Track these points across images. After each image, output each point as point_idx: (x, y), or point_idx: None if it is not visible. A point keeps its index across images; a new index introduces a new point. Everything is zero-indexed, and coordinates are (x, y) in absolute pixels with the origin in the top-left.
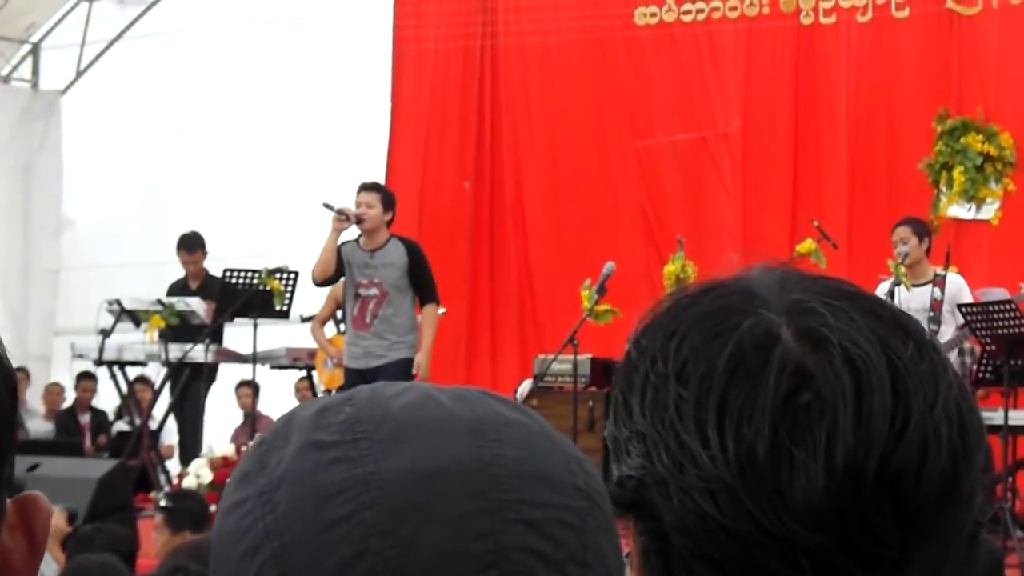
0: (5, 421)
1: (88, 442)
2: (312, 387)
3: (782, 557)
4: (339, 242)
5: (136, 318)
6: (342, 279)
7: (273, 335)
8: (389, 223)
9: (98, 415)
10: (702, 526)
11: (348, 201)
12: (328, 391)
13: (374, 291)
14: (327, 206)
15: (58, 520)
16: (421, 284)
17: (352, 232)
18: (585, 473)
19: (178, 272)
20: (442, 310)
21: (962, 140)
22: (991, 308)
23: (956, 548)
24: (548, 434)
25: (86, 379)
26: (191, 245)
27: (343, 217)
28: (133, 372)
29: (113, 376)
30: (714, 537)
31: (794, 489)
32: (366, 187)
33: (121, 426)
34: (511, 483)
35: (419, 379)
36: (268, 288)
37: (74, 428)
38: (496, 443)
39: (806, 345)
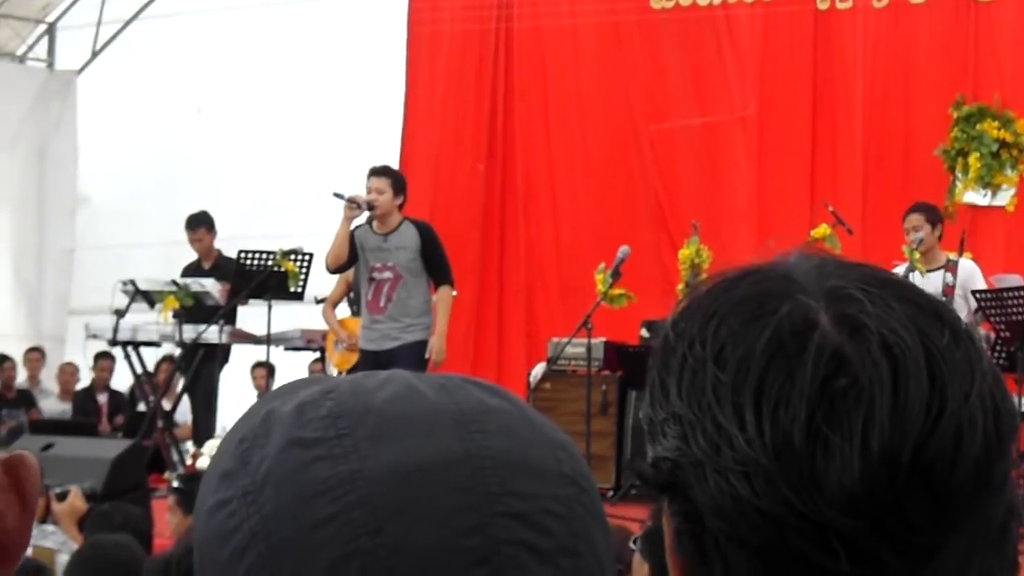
0: None
1: (105, 422)
2: (325, 368)
3: (816, 541)
4: (353, 226)
5: (150, 299)
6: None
7: (287, 316)
8: (401, 206)
9: (115, 395)
10: (737, 509)
11: (362, 184)
12: (340, 373)
13: (388, 274)
14: (337, 195)
15: (75, 499)
16: (434, 266)
17: (364, 215)
18: (570, 458)
19: (192, 253)
20: (454, 293)
21: (978, 126)
22: (1005, 294)
23: (988, 536)
24: (531, 419)
25: (103, 359)
26: (192, 223)
27: (354, 205)
28: (148, 352)
29: (127, 356)
30: (748, 520)
31: (829, 474)
32: (376, 172)
33: (142, 407)
34: (497, 475)
35: (433, 362)
36: (283, 269)
37: (91, 408)
38: (480, 434)
39: (844, 331)
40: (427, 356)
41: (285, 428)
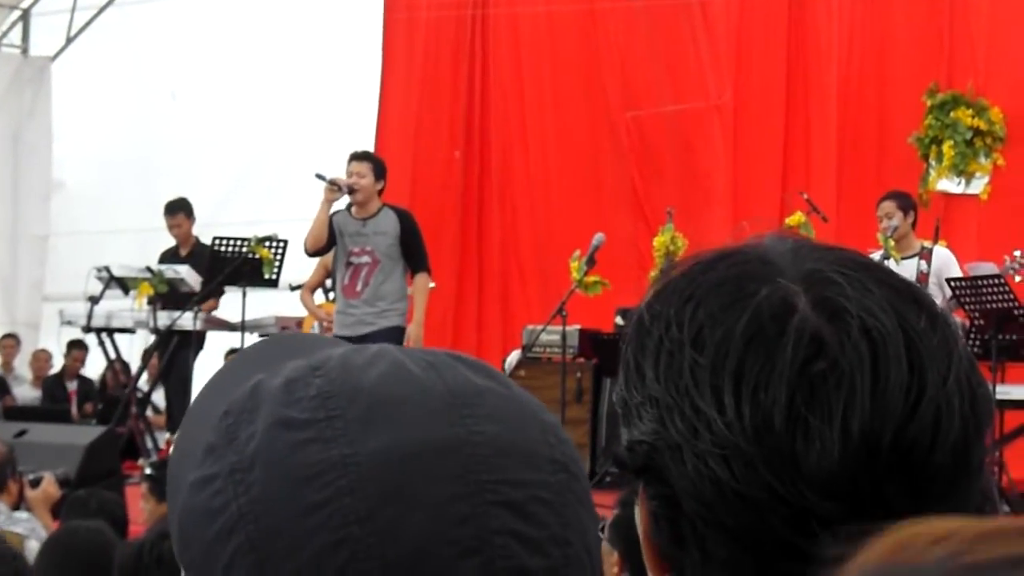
0: None
1: (75, 409)
2: None
3: (795, 524)
4: (332, 211)
5: (125, 285)
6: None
7: (262, 303)
8: (381, 192)
9: (85, 383)
10: (715, 492)
11: (339, 170)
12: None
13: (366, 259)
14: (319, 176)
15: (48, 486)
16: (413, 254)
17: (343, 201)
18: (560, 442)
19: (168, 239)
20: (431, 284)
21: (952, 114)
22: (979, 282)
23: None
24: (520, 401)
25: (77, 348)
26: (171, 208)
27: (335, 187)
28: (122, 339)
29: (101, 343)
30: (727, 503)
31: (809, 457)
32: (357, 156)
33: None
34: (489, 462)
35: (411, 345)
36: (257, 256)
37: (61, 395)
38: (471, 419)
39: (823, 315)
40: (405, 343)
41: (273, 405)
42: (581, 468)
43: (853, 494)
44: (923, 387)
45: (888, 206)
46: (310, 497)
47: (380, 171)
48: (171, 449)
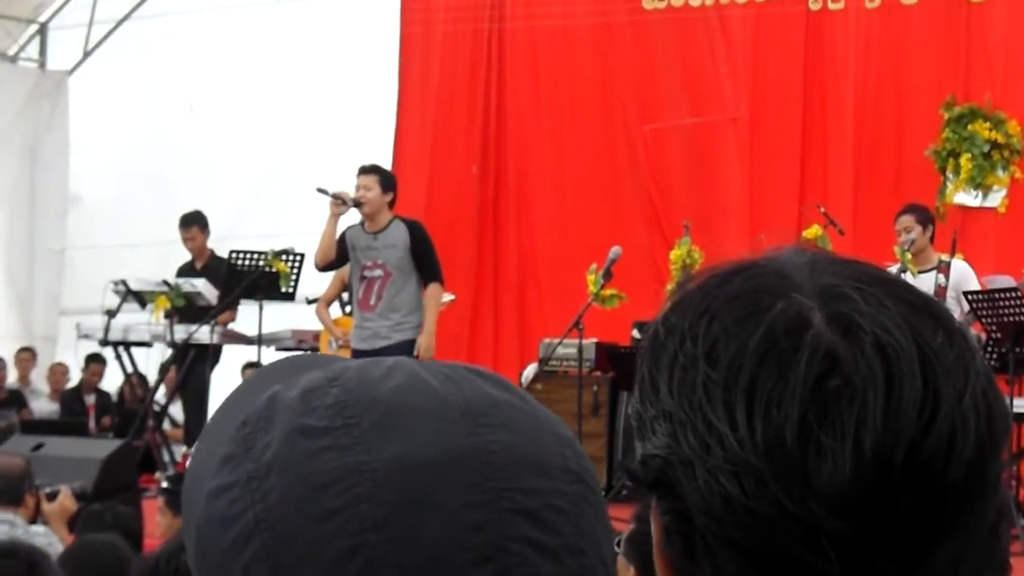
0: None
1: (92, 423)
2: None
3: (806, 542)
4: (345, 226)
5: (142, 299)
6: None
7: (279, 317)
8: (391, 204)
9: (103, 396)
10: (727, 508)
11: (353, 183)
12: None
13: (378, 272)
14: (321, 191)
15: (65, 499)
16: (424, 264)
17: (356, 216)
18: (576, 455)
19: (185, 253)
20: (450, 296)
21: (969, 127)
22: (996, 295)
23: (979, 537)
24: (537, 414)
25: (95, 362)
26: (185, 222)
27: (339, 201)
28: (139, 353)
29: (118, 357)
30: (738, 520)
31: (821, 474)
32: (364, 170)
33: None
34: (505, 471)
35: (421, 356)
36: (274, 270)
37: (79, 408)
38: (488, 428)
39: (837, 330)
40: (415, 354)
41: (290, 415)
42: (597, 482)
43: (865, 512)
44: (937, 404)
45: (907, 220)
46: (326, 504)
47: (387, 183)
48: (187, 463)
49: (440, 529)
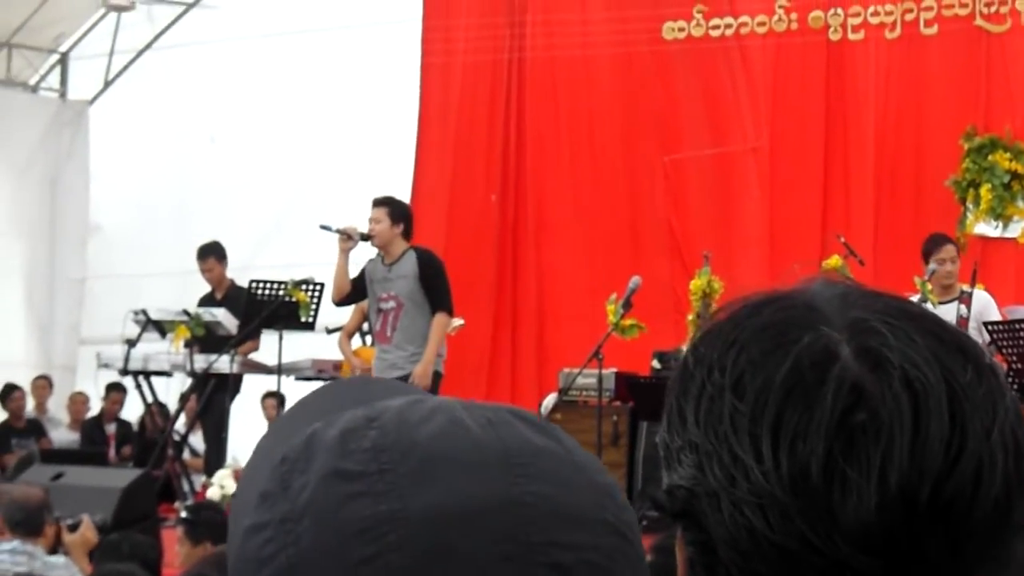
0: None
1: (112, 452)
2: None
3: None
4: (367, 259)
5: (162, 328)
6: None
7: (299, 346)
8: (406, 235)
9: (124, 425)
10: (751, 541)
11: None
12: None
13: (391, 304)
14: (324, 227)
15: (87, 530)
16: (432, 293)
17: (368, 246)
18: (615, 505)
19: (205, 283)
20: (460, 322)
21: (990, 158)
22: (1017, 326)
23: (1006, 574)
24: (577, 463)
25: (115, 391)
26: (202, 253)
27: (346, 236)
28: (159, 382)
29: (139, 386)
30: (762, 553)
31: (846, 510)
32: (376, 202)
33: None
34: (540, 524)
35: (418, 384)
36: (294, 299)
37: (100, 438)
38: (525, 479)
39: (865, 365)
40: (411, 382)
41: (328, 456)
42: (636, 531)
43: (890, 548)
44: (964, 441)
45: (952, 250)
46: (358, 551)
47: (397, 215)
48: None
49: None
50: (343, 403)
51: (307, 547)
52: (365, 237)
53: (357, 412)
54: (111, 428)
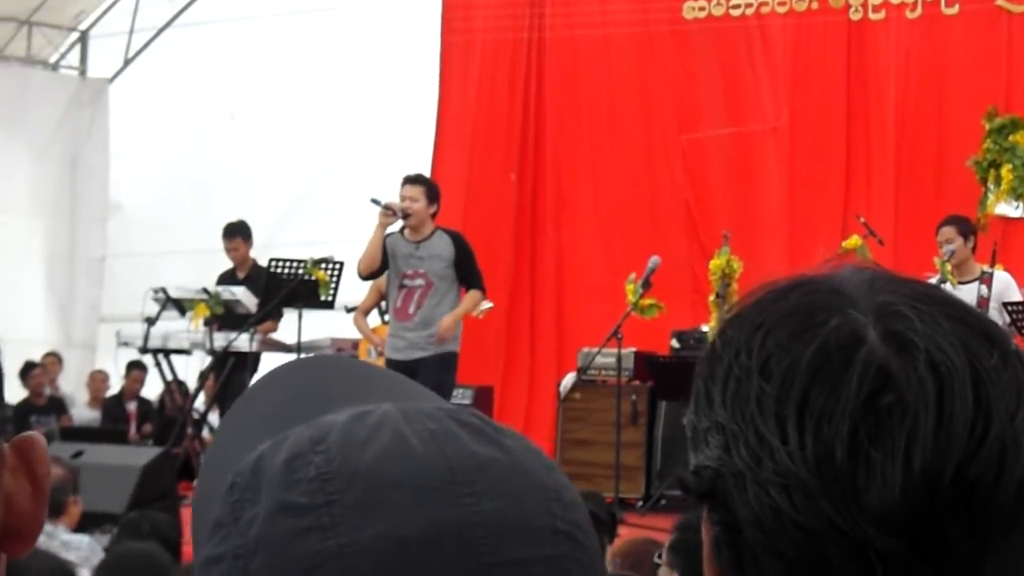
0: None
1: (133, 430)
2: None
3: (854, 557)
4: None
5: (181, 307)
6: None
7: (318, 325)
8: (434, 215)
9: (144, 404)
10: (776, 522)
11: (395, 192)
12: None
13: (420, 281)
14: (374, 201)
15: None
16: (467, 274)
17: (398, 223)
18: (564, 508)
19: (225, 260)
20: (489, 304)
21: (1011, 138)
22: None
23: None
24: (524, 468)
25: (136, 369)
26: (228, 232)
27: (389, 212)
28: (179, 360)
29: (158, 364)
30: (787, 534)
31: (870, 491)
32: (410, 180)
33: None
34: (488, 544)
35: (439, 332)
36: (313, 278)
37: (120, 416)
38: (471, 498)
39: (891, 348)
40: (437, 329)
41: (274, 488)
42: (587, 532)
43: (913, 530)
44: (988, 423)
45: (948, 231)
46: None
47: (433, 194)
48: (196, 482)
49: None
50: (292, 399)
51: None
52: (405, 215)
53: (303, 433)
54: (132, 406)
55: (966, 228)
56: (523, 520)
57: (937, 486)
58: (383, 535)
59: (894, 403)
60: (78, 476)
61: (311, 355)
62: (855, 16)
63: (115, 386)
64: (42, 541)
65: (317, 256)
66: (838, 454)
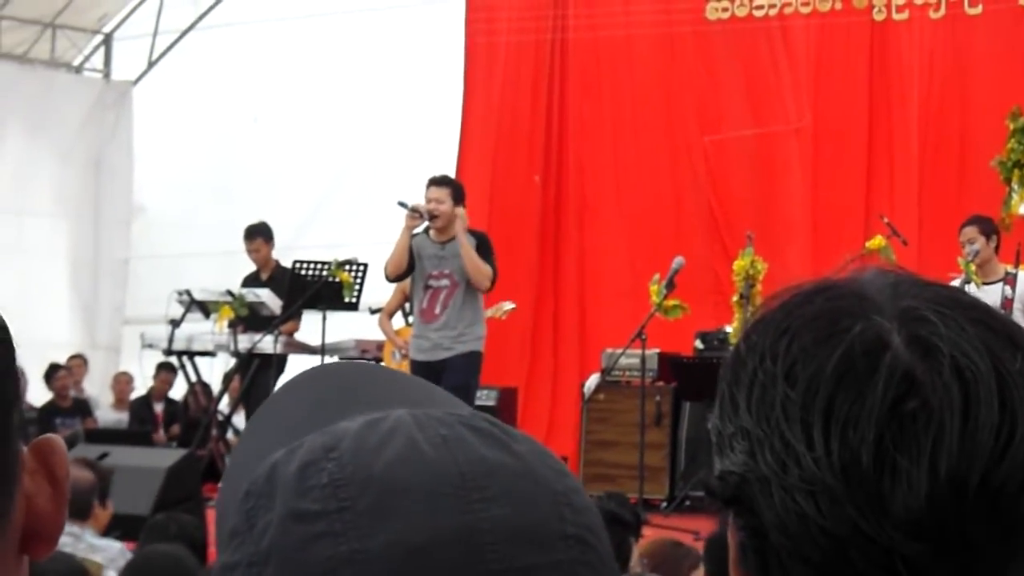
0: (5, 369)
1: (161, 431)
2: None
3: (880, 563)
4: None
5: (206, 309)
6: None
7: (342, 327)
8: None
9: (172, 405)
10: (802, 527)
11: (419, 193)
12: None
13: (445, 282)
14: (401, 204)
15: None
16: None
17: (422, 224)
18: (575, 512)
19: (250, 263)
20: (511, 305)
21: None
22: None
23: None
24: (534, 473)
25: (165, 371)
26: (249, 233)
27: (416, 214)
28: (203, 362)
29: (182, 366)
30: (813, 539)
31: (896, 496)
32: (436, 182)
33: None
34: (497, 550)
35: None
36: (337, 280)
37: (148, 417)
38: (481, 504)
39: (916, 353)
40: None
41: (287, 495)
42: (599, 535)
43: (939, 535)
44: (1014, 429)
45: (970, 231)
46: None
47: (459, 196)
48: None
49: None
50: (313, 406)
51: None
52: (431, 217)
53: (316, 441)
54: (159, 407)
55: (988, 228)
56: (533, 525)
57: (963, 492)
58: (394, 541)
59: (919, 409)
60: (110, 479)
61: (334, 361)
62: (878, 16)
63: (140, 388)
64: (68, 543)
65: (341, 258)
66: (864, 460)
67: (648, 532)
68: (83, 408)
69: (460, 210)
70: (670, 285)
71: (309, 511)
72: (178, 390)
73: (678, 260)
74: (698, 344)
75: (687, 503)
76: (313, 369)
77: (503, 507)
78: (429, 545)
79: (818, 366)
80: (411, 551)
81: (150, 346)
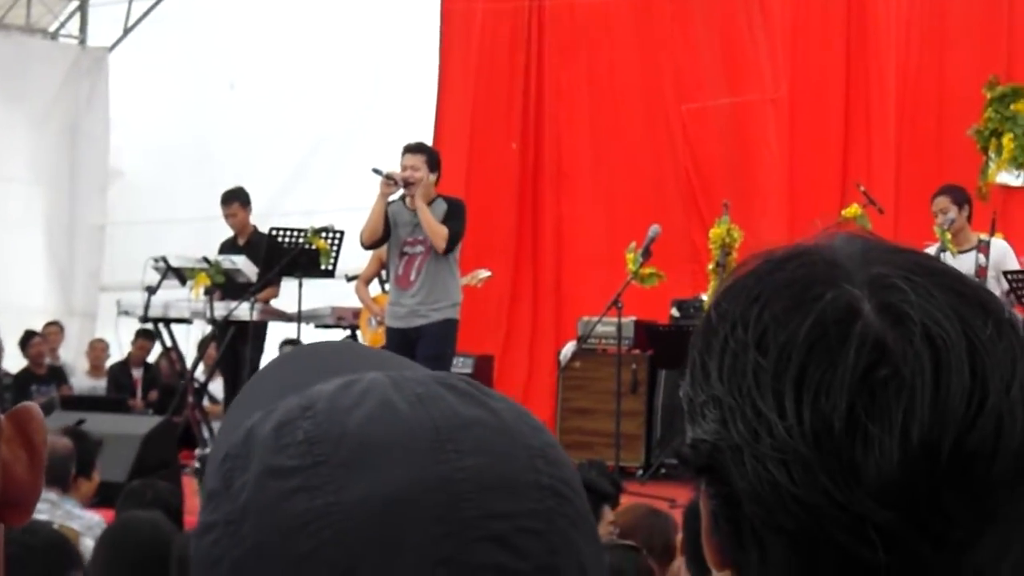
0: None
1: (139, 397)
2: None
3: (852, 531)
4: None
5: (182, 276)
6: None
7: (318, 294)
8: (435, 183)
9: (151, 371)
10: (774, 495)
11: (396, 161)
12: None
13: (419, 248)
14: (376, 171)
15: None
16: (449, 222)
17: (397, 192)
18: (549, 465)
19: (227, 228)
20: (487, 273)
21: (1012, 107)
22: None
23: None
24: (508, 428)
25: (143, 337)
26: (226, 198)
27: (391, 182)
28: (178, 329)
29: (158, 333)
30: (785, 507)
31: (868, 464)
32: (411, 149)
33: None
34: (472, 498)
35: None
36: (314, 247)
37: (126, 382)
38: (455, 454)
39: (886, 321)
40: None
41: (264, 453)
42: (575, 489)
43: (911, 503)
44: (985, 395)
45: (942, 201)
46: (298, 548)
47: (434, 163)
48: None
49: (407, 567)
50: (298, 378)
51: (249, 547)
52: (406, 184)
53: (292, 401)
54: (137, 373)
55: (960, 197)
56: (508, 476)
57: (935, 459)
58: (369, 493)
59: (890, 377)
60: (98, 450)
61: (321, 340)
62: None
63: (116, 355)
64: (45, 510)
65: (317, 225)
66: (836, 428)
67: (625, 499)
68: (58, 375)
69: (431, 176)
70: (646, 253)
71: (284, 467)
72: (156, 357)
73: (654, 228)
74: (674, 312)
75: (663, 471)
76: (299, 347)
77: (477, 458)
78: (404, 496)
79: (789, 335)
80: (387, 502)
81: (126, 313)
